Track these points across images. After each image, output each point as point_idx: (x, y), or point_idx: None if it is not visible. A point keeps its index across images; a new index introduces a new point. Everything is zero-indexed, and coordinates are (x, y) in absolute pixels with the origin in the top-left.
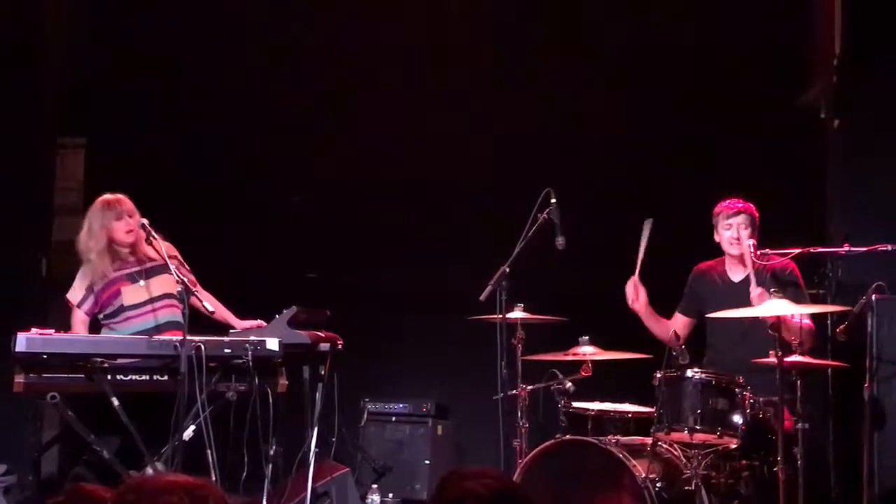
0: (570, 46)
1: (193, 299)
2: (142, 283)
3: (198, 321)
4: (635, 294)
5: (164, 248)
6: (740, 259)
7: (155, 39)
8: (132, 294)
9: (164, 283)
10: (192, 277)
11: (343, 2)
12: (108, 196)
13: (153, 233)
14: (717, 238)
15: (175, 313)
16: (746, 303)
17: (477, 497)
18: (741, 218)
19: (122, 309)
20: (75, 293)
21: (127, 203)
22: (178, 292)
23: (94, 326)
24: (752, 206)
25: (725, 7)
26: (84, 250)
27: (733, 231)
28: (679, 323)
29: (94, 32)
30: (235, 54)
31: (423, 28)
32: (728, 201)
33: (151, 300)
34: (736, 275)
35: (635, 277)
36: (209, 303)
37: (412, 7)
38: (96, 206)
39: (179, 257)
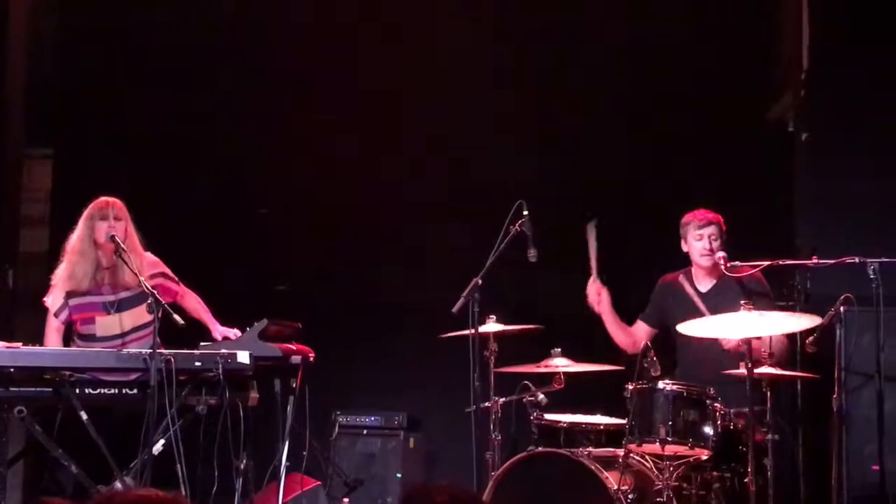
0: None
1: (164, 311)
2: (114, 314)
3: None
4: (597, 296)
5: (149, 262)
6: (708, 270)
7: (122, 49)
8: (105, 325)
9: (136, 317)
10: (178, 288)
11: (327, 4)
12: (103, 198)
13: (122, 245)
14: (684, 247)
15: (146, 344)
16: (714, 313)
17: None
18: (712, 228)
19: (94, 338)
20: (54, 300)
21: (117, 206)
22: (147, 304)
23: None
24: (719, 216)
25: (689, 20)
26: (68, 249)
27: (705, 242)
28: (640, 331)
29: (61, 42)
30: (206, 63)
31: (414, 29)
32: (697, 211)
33: (122, 334)
34: (703, 285)
35: (594, 279)
36: (188, 310)
37: (400, 6)
38: (89, 206)
39: (166, 270)
